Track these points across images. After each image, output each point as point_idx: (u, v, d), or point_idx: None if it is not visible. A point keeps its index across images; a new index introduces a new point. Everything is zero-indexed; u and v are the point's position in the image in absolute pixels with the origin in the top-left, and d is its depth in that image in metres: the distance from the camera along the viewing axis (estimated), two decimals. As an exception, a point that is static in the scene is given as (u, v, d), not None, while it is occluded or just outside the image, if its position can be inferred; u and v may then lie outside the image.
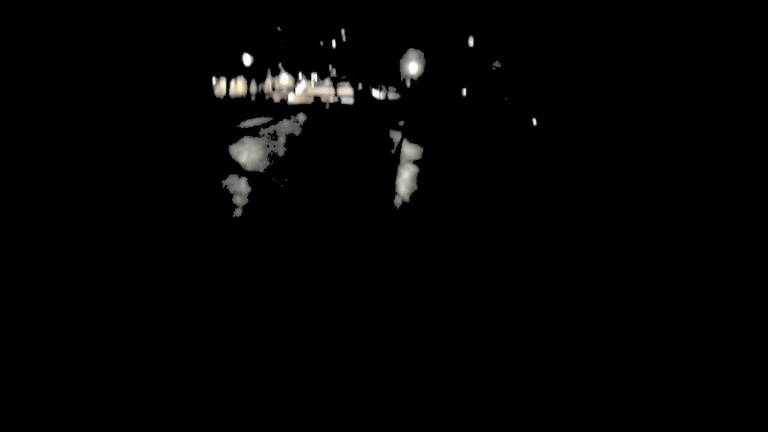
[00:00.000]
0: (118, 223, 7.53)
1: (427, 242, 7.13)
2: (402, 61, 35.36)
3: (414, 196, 10.00)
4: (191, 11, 21.07)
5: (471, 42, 24.45)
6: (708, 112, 9.83)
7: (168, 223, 7.63)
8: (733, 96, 9.38)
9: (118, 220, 7.72)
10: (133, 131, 17.42)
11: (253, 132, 20.32)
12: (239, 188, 10.16)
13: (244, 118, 25.31)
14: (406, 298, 5.25)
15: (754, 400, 3.63)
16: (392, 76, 40.40)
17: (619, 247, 7.07)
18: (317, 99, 39.34)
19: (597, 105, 13.20)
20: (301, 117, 28.72)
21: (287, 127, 23.10)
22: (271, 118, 26.26)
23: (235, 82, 48.05)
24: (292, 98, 48.18)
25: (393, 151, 16.29)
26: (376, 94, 57.28)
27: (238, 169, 12.15)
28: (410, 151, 16.48)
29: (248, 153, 14.76)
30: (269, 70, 44.61)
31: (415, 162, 14.24)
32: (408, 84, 27.10)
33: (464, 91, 25.11)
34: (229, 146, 16.03)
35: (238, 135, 18.94)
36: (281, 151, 15.35)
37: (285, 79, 68.85)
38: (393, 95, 52.35)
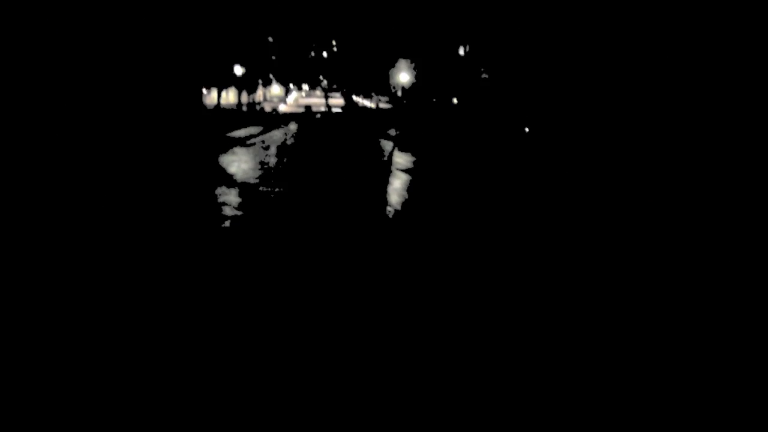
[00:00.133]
0: (109, 232, 7.45)
1: (419, 250, 7.11)
2: (392, 70, 35.58)
3: (405, 204, 10.00)
4: (183, 22, 21.10)
5: (461, 51, 24.64)
6: (697, 114, 9.95)
7: (158, 233, 7.55)
8: (717, 100, 9.51)
9: (110, 228, 7.64)
10: (122, 142, 17.33)
11: (244, 142, 20.28)
12: (229, 198, 10.10)
13: (235, 128, 25.28)
14: (397, 306, 5.21)
15: (754, 400, 3.63)
16: (383, 85, 40.64)
17: (608, 254, 7.09)
18: (308, 108, 39.40)
19: (587, 112, 13.31)
20: (293, 126, 28.73)
21: (278, 136, 23.09)
22: (262, 128, 26.25)
23: (227, 93, 48.07)
24: (283, 108, 48.24)
25: (384, 160, 16.31)
26: (367, 103, 57.53)
27: (228, 179, 12.10)
28: (401, 159, 16.51)
29: (239, 163, 14.72)
30: (260, 80, 44.67)
31: (407, 171, 14.26)
32: (399, 93, 27.24)
33: (455, 100, 25.26)
34: (220, 156, 15.97)
35: (228, 145, 18.89)
36: (272, 161, 15.32)
37: (276, 89, 68.99)
38: (384, 104, 52.61)
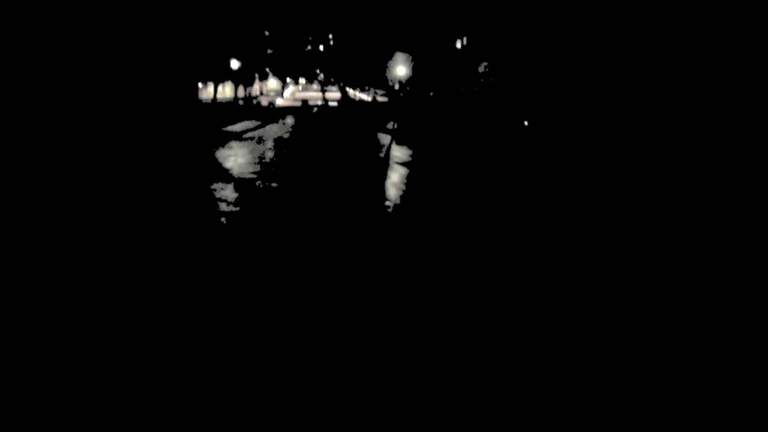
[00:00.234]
0: (103, 229, 7.34)
1: (418, 245, 7.03)
2: (390, 63, 35.38)
3: (404, 199, 9.91)
4: (179, 16, 20.87)
5: (458, 44, 24.47)
6: (699, 109, 9.88)
7: (152, 230, 7.45)
8: (714, 96, 9.43)
9: (104, 225, 7.53)
10: (116, 136, 17.17)
11: (241, 136, 20.13)
12: (226, 193, 10.00)
13: (232, 122, 25.11)
14: (397, 301, 5.14)
15: (753, 400, 3.58)
16: (380, 78, 40.45)
17: (608, 250, 7.02)
18: (305, 102, 39.20)
19: (587, 106, 13.22)
20: (289, 120, 28.57)
21: (275, 130, 22.94)
22: (259, 122, 26.08)
23: (223, 87, 47.78)
24: (280, 102, 48.00)
25: (381, 154, 16.21)
26: (364, 96, 57.29)
27: (224, 174, 11.99)
28: (399, 153, 16.41)
29: (235, 157, 14.59)
30: (257, 74, 44.38)
31: (405, 164, 14.16)
32: (396, 86, 27.09)
33: (453, 93, 25.13)
34: (216, 150, 15.84)
35: (225, 139, 18.75)
36: (269, 155, 15.20)
37: (273, 83, 68.64)
38: (381, 98, 52.41)
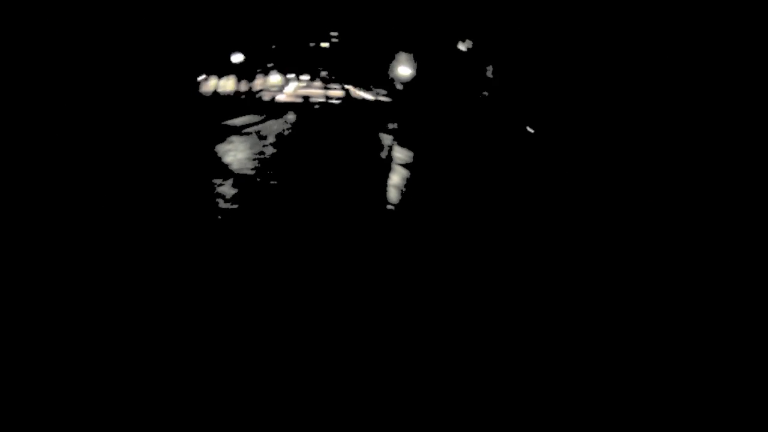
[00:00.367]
0: (98, 225, 7.16)
1: (418, 246, 6.87)
2: (393, 63, 35.21)
3: (404, 199, 9.75)
4: (182, 7, 20.63)
5: (463, 47, 24.33)
6: (701, 113, 9.75)
7: (149, 226, 7.27)
8: (714, 97, 9.30)
9: (99, 221, 7.35)
10: (110, 129, 16.95)
11: (241, 131, 19.94)
12: (224, 190, 9.82)
13: (232, 117, 24.90)
14: (396, 303, 4.98)
15: (754, 400, 3.48)
16: (382, 78, 40.26)
17: (612, 258, 6.88)
18: (307, 99, 38.97)
19: (595, 113, 13.08)
20: (291, 116, 28.38)
21: (276, 126, 22.75)
22: (260, 117, 25.88)
23: (225, 80, 47.55)
24: (281, 98, 47.76)
25: (383, 154, 16.04)
26: (367, 96, 57.09)
27: (223, 169, 11.80)
28: (401, 154, 16.24)
29: (235, 152, 14.40)
30: (259, 69, 44.14)
31: (406, 166, 14.00)
32: (399, 87, 26.91)
33: (456, 96, 24.98)
34: (216, 145, 15.65)
35: (225, 133, 18.55)
36: (269, 151, 15.01)
37: (275, 78, 68.37)
38: (383, 98, 52.22)
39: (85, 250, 6.07)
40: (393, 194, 10.22)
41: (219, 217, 7.82)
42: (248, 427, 3.18)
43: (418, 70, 31.34)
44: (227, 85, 48.74)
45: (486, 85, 21.00)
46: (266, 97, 46.58)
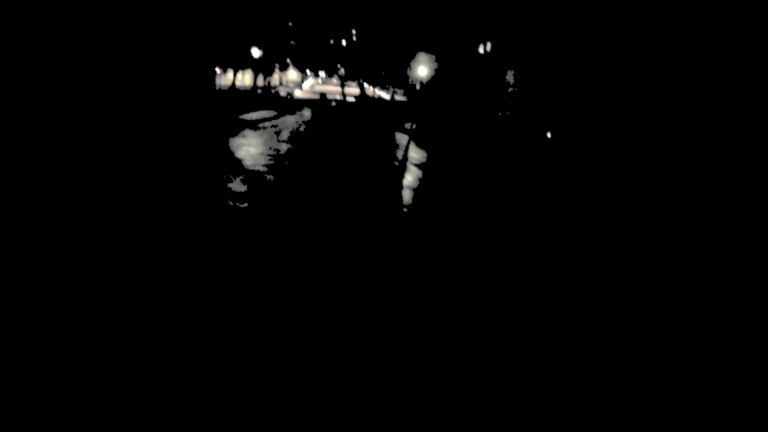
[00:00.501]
0: (111, 218, 7.02)
1: (429, 245, 6.61)
2: (412, 63, 34.95)
3: (417, 199, 9.49)
4: (203, 2, 20.58)
5: (482, 49, 23.99)
6: (704, 108, 9.36)
7: (162, 218, 7.11)
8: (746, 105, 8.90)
9: (111, 213, 7.20)
10: (127, 123, 16.93)
11: (256, 125, 19.83)
12: (235, 186, 9.64)
13: (249, 111, 24.84)
14: (407, 300, 4.73)
15: (753, 400, 3.31)
16: (400, 77, 40.01)
17: (627, 258, 6.56)
18: (323, 96, 38.87)
19: (614, 120, 12.71)
20: (306, 113, 28.27)
21: (291, 122, 22.62)
22: (276, 113, 25.79)
23: (243, 74, 47.68)
24: (298, 93, 47.78)
25: (398, 154, 15.79)
26: (383, 94, 56.89)
27: (236, 164, 11.64)
28: (417, 155, 15.99)
29: (248, 147, 14.26)
30: (277, 64, 44.16)
31: (421, 166, 13.74)
32: (417, 87, 26.64)
33: (474, 98, 24.65)
34: (230, 139, 15.52)
35: (240, 127, 18.45)
36: (283, 147, 14.85)
37: (293, 74, 68.53)
38: (400, 97, 52.00)
39: (100, 243, 5.92)
40: (408, 195, 9.97)
41: (233, 210, 7.64)
42: (251, 425, 3.01)
43: (437, 71, 31.04)
44: (245, 78, 48.85)
45: (504, 88, 20.66)
46: (283, 92, 46.61)
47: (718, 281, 6.30)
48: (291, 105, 31.67)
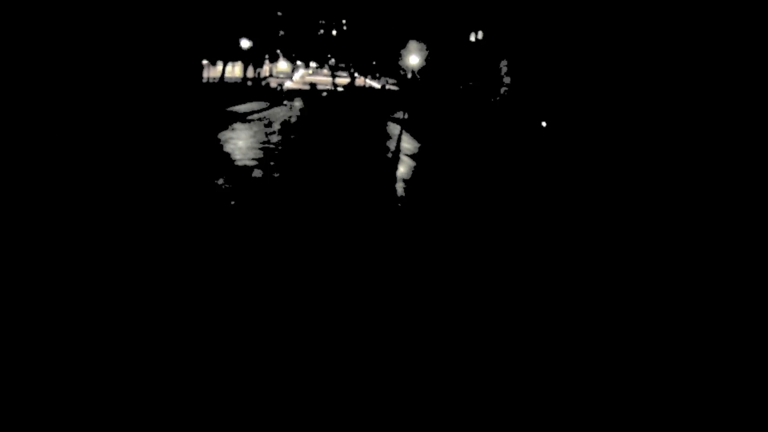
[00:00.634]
0: (100, 216, 6.83)
1: (423, 241, 6.49)
2: (403, 52, 34.63)
3: (411, 192, 9.35)
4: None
5: (473, 37, 23.75)
6: (705, 108, 9.29)
7: (152, 215, 6.93)
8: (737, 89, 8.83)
9: (100, 211, 7.02)
10: (111, 117, 16.61)
11: (245, 117, 19.55)
12: (225, 180, 9.46)
13: (238, 103, 24.50)
14: (402, 292, 4.62)
15: (753, 400, 3.29)
16: (391, 66, 39.68)
17: (621, 247, 6.48)
18: (314, 86, 38.51)
19: (608, 107, 12.61)
20: (297, 103, 27.97)
21: (282, 113, 22.35)
22: (266, 104, 25.47)
23: (232, 66, 47.10)
24: (289, 84, 47.31)
25: (391, 144, 15.63)
26: (375, 84, 56.51)
27: (224, 159, 11.44)
28: (410, 145, 15.83)
29: (237, 140, 14.03)
30: (267, 55, 43.61)
31: (414, 156, 13.59)
32: (408, 76, 26.41)
33: (466, 87, 24.45)
34: (220, 132, 15.27)
35: (229, 120, 18.17)
36: (274, 139, 14.63)
37: (283, 65, 67.81)
38: (391, 86, 51.66)
39: (92, 242, 5.75)
40: (401, 186, 9.83)
41: (225, 203, 7.47)
42: (250, 424, 2.91)
43: (428, 60, 30.75)
44: (235, 70, 48.24)
45: (497, 77, 20.48)
46: (273, 83, 46.13)
47: (713, 266, 6.25)
48: (281, 96, 31.32)
